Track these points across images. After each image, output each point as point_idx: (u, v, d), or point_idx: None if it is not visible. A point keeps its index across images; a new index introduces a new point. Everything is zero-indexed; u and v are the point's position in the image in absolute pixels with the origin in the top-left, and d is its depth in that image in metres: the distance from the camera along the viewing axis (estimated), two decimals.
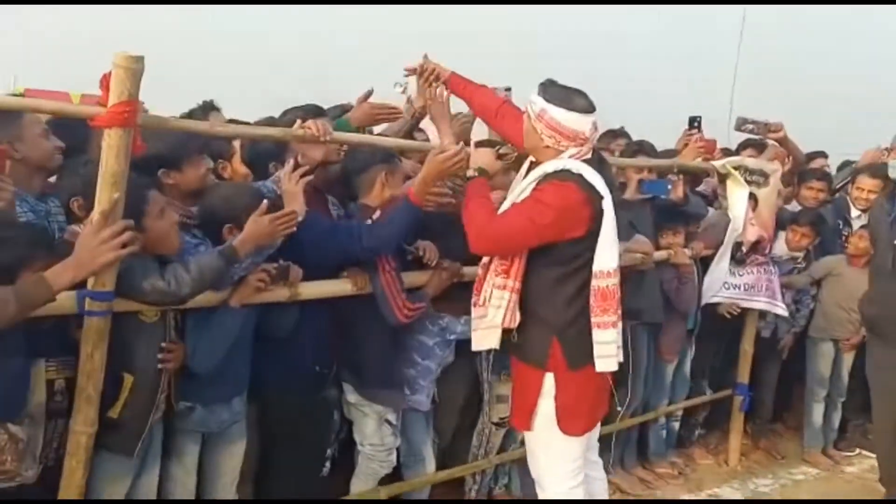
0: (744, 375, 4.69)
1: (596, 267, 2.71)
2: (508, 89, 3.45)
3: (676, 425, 4.65)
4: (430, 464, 3.51)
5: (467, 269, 3.20)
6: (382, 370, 3.22)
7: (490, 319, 2.79)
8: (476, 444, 3.73)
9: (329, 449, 3.29)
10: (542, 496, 2.87)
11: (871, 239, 4.26)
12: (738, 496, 4.35)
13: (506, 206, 2.82)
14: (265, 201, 2.53)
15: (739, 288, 4.32)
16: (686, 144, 4.47)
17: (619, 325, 2.78)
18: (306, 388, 3.06)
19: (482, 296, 2.82)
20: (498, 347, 2.86)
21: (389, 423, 3.27)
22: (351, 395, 3.24)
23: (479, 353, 3.43)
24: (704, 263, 4.37)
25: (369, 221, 2.98)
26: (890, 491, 4.03)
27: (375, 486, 3.32)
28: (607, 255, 2.73)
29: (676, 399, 4.58)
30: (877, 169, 4.93)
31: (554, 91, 2.70)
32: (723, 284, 4.29)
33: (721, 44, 10.92)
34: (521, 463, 3.92)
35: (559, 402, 2.74)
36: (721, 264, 4.28)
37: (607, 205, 2.70)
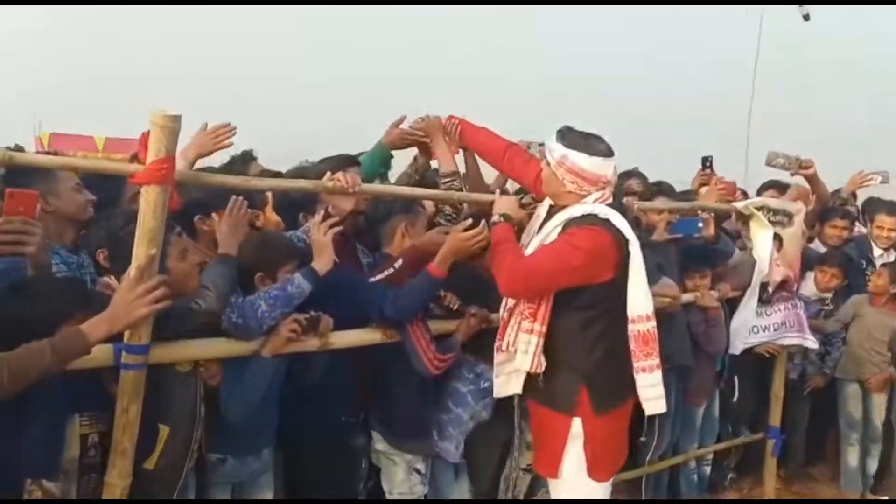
0: (775, 418, 4.62)
1: (632, 312, 2.76)
2: (542, 144, 3.50)
3: (707, 469, 4.59)
4: None
5: (495, 316, 3.21)
6: (412, 418, 3.23)
7: (517, 364, 2.80)
8: (503, 489, 3.69)
9: (358, 497, 3.28)
10: None
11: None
12: None
13: (531, 248, 2.85)
14: None
15: (769, 329, 4.29)
16: (701, 184, 4.48)
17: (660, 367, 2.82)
18: (334, 436, 3.07)
19: (506, 340, 2.84)
20: (521, 392, 2.89)
21: (418, 471, 3.26)
22: (380, 444, 3.24)
23: (513, 399, 3.41)
24: (731, 305, 4.35)
25: (388, 283, 3.01)
26: None
27: None
28: (641, 299, 2.77)
29: (706, 442, 4.52)
30: (894, 207, 4.93)
31: (573, 137, 2.74)
32: (751, 328, 4.24)
33: (735, 82, 11.02)
34: None
35: (588, 448, 2.75)
36: (748, 306, 4.24)
37: (634, 249, 2.74)
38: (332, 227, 2.68)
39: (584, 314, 2.76)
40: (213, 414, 2.58)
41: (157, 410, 2.34)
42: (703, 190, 4.50)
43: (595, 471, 2.78)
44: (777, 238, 4.42)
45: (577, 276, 2.69)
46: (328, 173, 2.70)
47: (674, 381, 4.19)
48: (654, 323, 2.80)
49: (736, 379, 4.57)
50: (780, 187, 4.98)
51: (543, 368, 2.77)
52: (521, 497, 3.72)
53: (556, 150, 2.73)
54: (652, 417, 3.85)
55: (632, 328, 2.77)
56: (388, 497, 3.27)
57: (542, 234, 2.82)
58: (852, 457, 4.80)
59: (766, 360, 4.50)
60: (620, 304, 2.78)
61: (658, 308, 3.82)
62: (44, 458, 2.11)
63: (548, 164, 2.78)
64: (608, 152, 2.75)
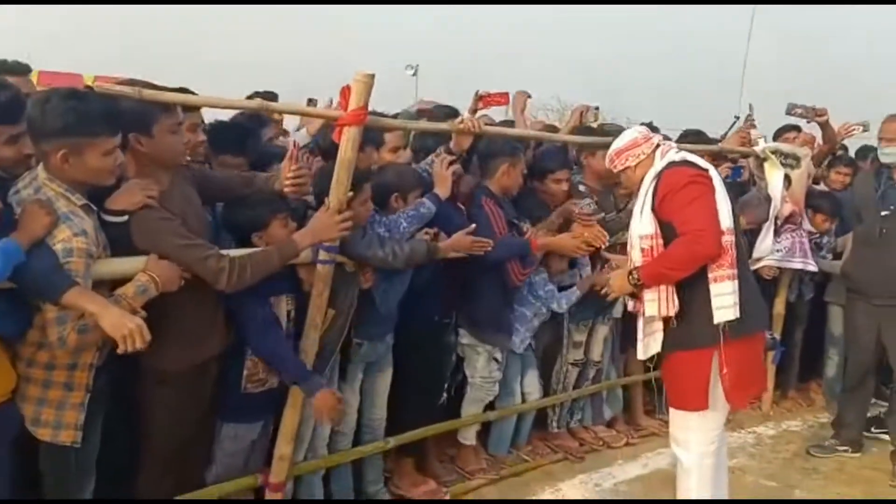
0: (776, 332, 5.42)
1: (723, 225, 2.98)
2: (597, 108, 4.23)
3: None
4: (518, 397, 4.28)
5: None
6: (493, 317, 3.98)
7: (648, 312, 3.04)
8: (555, 382, 4.49)
9: (446, 383, 4.05)
10: (685, 457, 3.18)
11: (854, 210, 4.83)
12: (772, 433, 5.11)
13: (636, 213, 3.12)
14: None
15: (781, 251, 5.03)
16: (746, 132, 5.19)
17: (736, 280, 2.99)
18: (432, 332, 3.82)
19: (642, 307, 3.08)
20: (660, 349, 3.13)
21: (496, 360, 4.03)
22: (465, 338, 4.00)
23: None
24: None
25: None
26: (837, 432, 4.78)
27: (480, 411, 4.09)
28: (722, 215, 2.99)
29: None
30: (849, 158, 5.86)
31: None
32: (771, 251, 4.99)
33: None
34: (594, 398, 4.73)
35: (730, 376, 2.97)
36: (769, 235, 4.96)
37: (713, 173, 3.08)
38: (451, 163, 3.38)
39: None
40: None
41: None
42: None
43: (735, 397, 3.03)
44: (786, 178, 5.15)
45: (711, 199, 2.98)
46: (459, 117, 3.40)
47: None
48: (730, 238, 2.98)
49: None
50: (797, 129, 5.65)
51: (676, 309, 3.00)
52: (570, 388, 4.53)
53: (608, 159, 3.33)
54: None
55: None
56: (471, 380, 4.05)
57: (641, 199, 3.10)
58: (831, 368, 5.56)
59: (767, 283, 5.24)
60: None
61: None
62: None
63: (615, 172, 3.33)
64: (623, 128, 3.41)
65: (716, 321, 2.95)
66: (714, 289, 2.96)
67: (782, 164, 5.17)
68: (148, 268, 2.46)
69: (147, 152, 2.60)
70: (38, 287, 2.23)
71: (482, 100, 4.37)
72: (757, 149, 5.18)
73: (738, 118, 5.37)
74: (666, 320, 3.06)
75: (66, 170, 2.34)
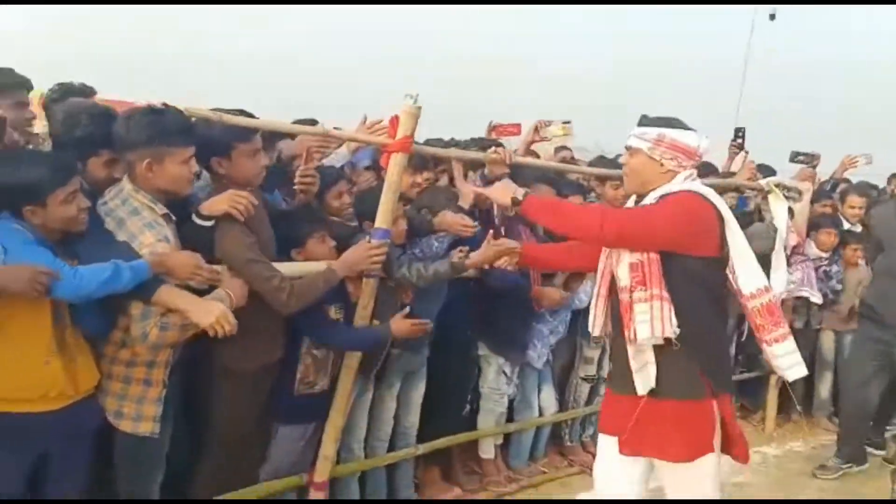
0: None
1: (748, 288, 2.70)
2: (567, 122, 4.44)
3: None
4: (536, 411, 4.52)
5: None
6: (509, 331, 4.23)
7: (640, 336, 2.62)
8: (568, 396, 4.75)
9: (469, 395, 4.29)
10: None
11: (874, 241, 5.05)
12: (776, 453, 5.35)
13: None
14: None
15: (795, 283, 5.34)
16: (733, 153, 5.48)
17: (791, 337, 2.77)
18: (460, 345, 4.07)
19: (632, 329, 2.64)
20: (654, 385, 2.69)
21: (505, 373, 4.28)
22: (481, 349, 4.25)
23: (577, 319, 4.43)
24: None
25: None
26: (839, 450, 4.94)
27: (495, 424, 4.32)
28: (755, 272, 2.72)
29: None
30: (861, 188, 6.09)
31: (661, 119, 2.77)
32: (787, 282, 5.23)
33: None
34: None
35: (726, 429, 2.73)
36: (782, 266, 5.18)
37: (733, 223, 2.70)
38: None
39: (697, 293, 2.66)
40: None
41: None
42: (738, 159, 5.48)
43: (736, 450, 2.79)
44: (789, 210, 5.46)
45: (685, 234, 2.63)
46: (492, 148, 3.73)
47: None
48: (773, 294, 2.77)
49: (746, 324, 5.61)
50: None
51: (675, 331, 2.60)
52: (582, 402, 4.76)
53: (650, 133, 2.74)
54: None
55: (752, 304, 2.70)
56: (481, 390, 4.28)
57: None
58: (824, 390, 5.87)
59: None
60: (722, 283, 2.73)
61: None
62: None
63: (636, 151, 2.76)
64: (693, 128, 2.77)
65: (790, 378, 2.82)
66: (777, 349, 2.73)
67: (785, 197, 5.50)
68: (225, 283, 2.72)
69: (225, 174, 2.88)
70: (135, 288, 2.46)
71: (495, 130, 4.67)
72: (762, 183, 5.51)
73: (741, 132, 5.68)
74: (659, 349, 2.65)
75: (150, 178, 2.62)
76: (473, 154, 3.88)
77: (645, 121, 2.80)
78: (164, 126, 2.62)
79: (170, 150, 2.62)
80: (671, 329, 2.60)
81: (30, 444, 2.48)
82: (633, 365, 2.71)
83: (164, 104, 2.72)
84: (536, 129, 4.43)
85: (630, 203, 2.88)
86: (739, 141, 5.64)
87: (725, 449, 2.78)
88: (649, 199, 2.73)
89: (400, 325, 3.29)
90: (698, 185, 2.75)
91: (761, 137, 6.81)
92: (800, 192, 5.61)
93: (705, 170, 5.37)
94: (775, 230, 5.38)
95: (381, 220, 3.15)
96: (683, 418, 2.70)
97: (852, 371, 5.08)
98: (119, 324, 2.66)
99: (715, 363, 2.72)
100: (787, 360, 2.74)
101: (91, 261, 2.41)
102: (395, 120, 3.05)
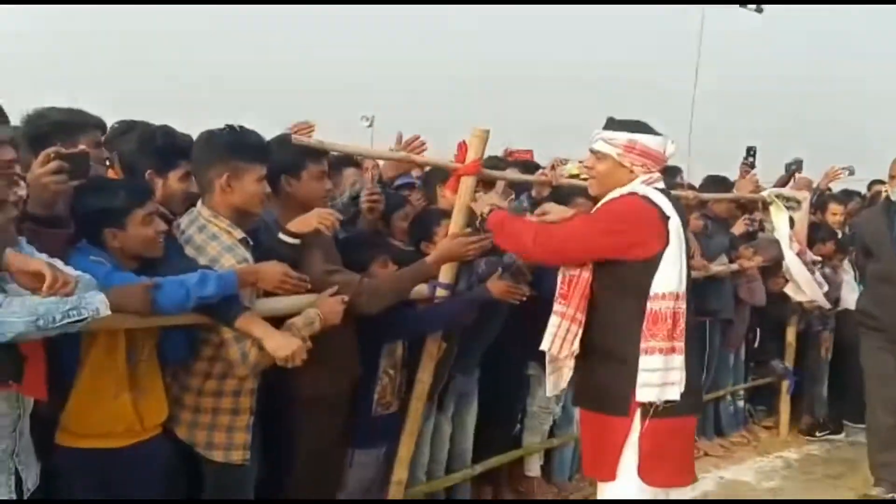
0: (789, 362, 5.86)
1: (656, 288, 2.55)
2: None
3: (741, 402, 5.79)
4: (576, 425, 4.52)
5: None
6: None
7: (543, 345, 2.70)
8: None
9: (519, 414, 4.29)
10: None
11: (862, 248, 5.01)
12: (796, 457, 5.46)
13: None
14: None
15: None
16: (744, 172, 5.66)
17: (672, 355, 2.55)
18: (509, 366, 4.08)
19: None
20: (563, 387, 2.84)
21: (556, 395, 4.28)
22: (532, 369, 4.25)
23: None
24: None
25: None
26: (874, 458, 4.59)
27: (541, 440, 4.33)
28: (672, 276, 2.56)
29: (738, 381, 5.73)
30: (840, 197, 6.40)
31: (631, 123, 2.71)
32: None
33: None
34: None
35: (642, 450, 2.56)
36: (804, 273, 5.30)
37: (674, 224, 2.60)
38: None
39: (628, 299, 2.59)
40: None
41: None
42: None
43: (647, 473, 2.57)
44: (790, 220, 5.65)
45: (616, 242, 2.59)
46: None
47: (718, 331, 5.37)
48: (671, 304, 2.53)
49: (758, 330, 5.77)
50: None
51: (574, 352, 2.66)
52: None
53: (620, 138, 2.66)
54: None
55: (651, 305, 2.54)
56: (529, 409, 4.29)
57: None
58: (824, 389, 6.09)
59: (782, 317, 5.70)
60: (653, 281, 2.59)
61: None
62: None
63: (603, 157, 2.70)
64: (660, 133, 2.73)
65: (638, 398, 2.55)
66: (643, 361, 2.54)
67: (786, 207, 5.70)
68: (319, 302, 2.70)
69: (292, 193, 2.89)
70: (216, 311, 2.43)
71: (511, 155, 4.77)
72: (764, 194, 5.70)
73: (753, 151, 5.87)
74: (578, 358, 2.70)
75: (228, 194, 2.61)
76: (522, 176, 3.99)
77: (613, 125, 2.73)
78: (244, 142, 2.64)
79: (248, 166, 2.62)
80: (568, 350, 2.66)
81: (96, 481, 2.37)
82: (548, 368, 2.82)
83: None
84: (553, 167, 4.36)
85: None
86: (751, 160, 5.82)
87: (666, 478, 2.62)
88: (600, 204, 2.74)
89: (497, 285, 3.27)
90: (646, 188, 2.66)
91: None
92: (798, 202, 5.84)
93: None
94: (776, 240, 5.62)
95: (458, 228, 3.16)
96: (594, 432, 2.70)
97: (870, 384, 4.74)
98: (202, 354, 2.61)
99: (657, 380, 2.52)
100: (644, 378, 2.54)
101: None
102: (462, 145, 3.10)
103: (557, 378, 2.81)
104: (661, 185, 2.72)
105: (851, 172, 6.74)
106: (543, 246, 2.70)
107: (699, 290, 4.39)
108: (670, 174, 6.16)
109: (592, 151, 2.74)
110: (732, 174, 6.12)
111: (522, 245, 2.78)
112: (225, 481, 2.65)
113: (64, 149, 2.31)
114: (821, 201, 6.52)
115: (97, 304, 1.94)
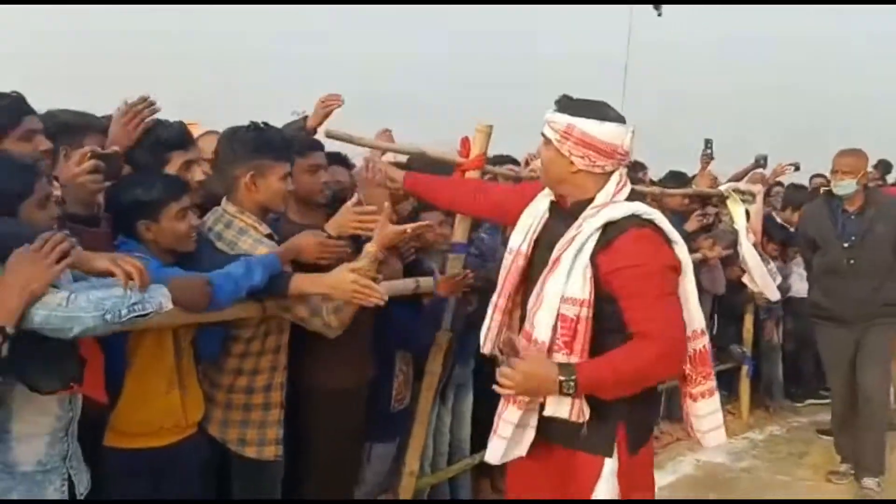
0: (747, 347, 6.16)
1: (690, 328, 2.28)
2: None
3: None
4: None
5: None
6: None
7: (548, 411, 2.24)
8: None
9: None
10: None
11: (807, 241, 5.05)
12: (761, 437, 5.74)
13: (564, 261, 2.23)
14: None
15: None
16: (706, 164, 5.93)
17: (717, 393, 2.41)
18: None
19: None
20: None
21: None
22: None
23: None
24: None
25: None
26: (838, 438, 4.90)
27: None
28: (694, 311, 2.32)
29: None
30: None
31: (576, 104, 2.29)
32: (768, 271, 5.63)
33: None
34: None
35: (622, 486, 2.28)
36: (760, 265, 5.58)
37: (683, 251, 2.32)
38: None
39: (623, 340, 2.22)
40: None
41: None
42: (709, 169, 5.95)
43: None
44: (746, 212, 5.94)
45: (676, 281, 2.28)
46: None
47: None
48: (707, 338, 2.36)
49: (716, 317, 6.04)
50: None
51: (588, 417, 2.22)
52: None
53: (559, 122, 2.25)
54: None
55: (691, 346, 2.29)
56: None
57: (576, 246, 2.23)
58: (778, 372, 6.48)
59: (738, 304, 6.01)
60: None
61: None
62: None
63: (548, 142, 2.29)
64: (619, 118, 2.27)
65: (707, 445, 2.46)
66: (698, 408, 2.36)
67: (742, 201, 5.99)
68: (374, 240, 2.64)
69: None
70: (268, 287, 2.45)
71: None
72: (722, 188, 5.98)
73: (710, 143, 6.14)
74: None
75: (253, 192, 2.63)
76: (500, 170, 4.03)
77: (559, 106, 2.30)
78: (268, 140, 2.65)
79: (272, 164, 2.64)
80: (584, 414, 2.22)
81: (147, 482, 2.38)
82: (508, 427, 2.41)
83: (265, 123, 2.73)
84: (527, 163, 4.32)
85: (544, 203, 2.42)
86: (709, 151, 6.08)
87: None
88: (587, 231, 2.22)
89: (445, 284, 3.20)
90: (643, 210, 2.26)
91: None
92: (753, 195, 6.15)
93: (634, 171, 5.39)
94: (734, 231, 5.91)
95: (459, 234, 3.26)
96: (570, 471, 2.34)
97: (831, 374, 4.96)
98: (233, 351, 2.63)
99: (639, 415, 2.34)
100: (708, 422, 2.37)
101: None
102: (466, 141, 3.17)
103: (514, 440, 2.40)
104: (629, 189, 2.31)
105: (797, 168, 7.13)
106: (672, 356, 2.21)
107: None
108: (632, 169, 6.49)
109: (542, 136, 2.34)
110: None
111: (652, 378, 2.29)
112: (257, 478, 2.67)
113: (100, 149, 2.31)
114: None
115: (160, 297, 1.94)
